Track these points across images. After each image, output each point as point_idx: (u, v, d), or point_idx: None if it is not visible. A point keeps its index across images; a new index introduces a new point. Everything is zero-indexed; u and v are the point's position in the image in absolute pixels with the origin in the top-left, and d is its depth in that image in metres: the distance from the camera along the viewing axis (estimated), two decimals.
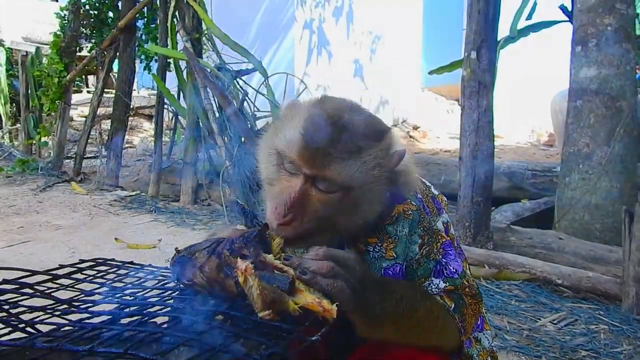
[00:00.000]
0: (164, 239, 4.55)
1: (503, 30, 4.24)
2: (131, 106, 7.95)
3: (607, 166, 4.07)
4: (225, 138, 5.68)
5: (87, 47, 8.78)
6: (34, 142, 9.32)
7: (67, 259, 3.93)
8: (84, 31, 8.24)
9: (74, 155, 8.09)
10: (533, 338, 2.70)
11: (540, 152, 10.00)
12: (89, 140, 8.14)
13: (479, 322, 1.44)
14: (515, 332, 2.77)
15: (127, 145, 8.95)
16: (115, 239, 4.39)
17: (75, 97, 10.21)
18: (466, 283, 1.23)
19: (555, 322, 2.91)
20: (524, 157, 8.89)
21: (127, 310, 1.04)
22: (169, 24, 6.43)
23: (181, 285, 1.13)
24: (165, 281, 1.30)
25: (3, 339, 0.86)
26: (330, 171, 1.10)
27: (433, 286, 1.21)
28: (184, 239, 4.60)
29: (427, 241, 1.22)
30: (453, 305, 1.19)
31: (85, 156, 8.08)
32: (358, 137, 1.11)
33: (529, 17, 5.15)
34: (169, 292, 1.20)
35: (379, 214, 1.21)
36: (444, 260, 1.23)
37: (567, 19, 4.74)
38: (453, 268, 1.22)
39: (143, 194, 6.59)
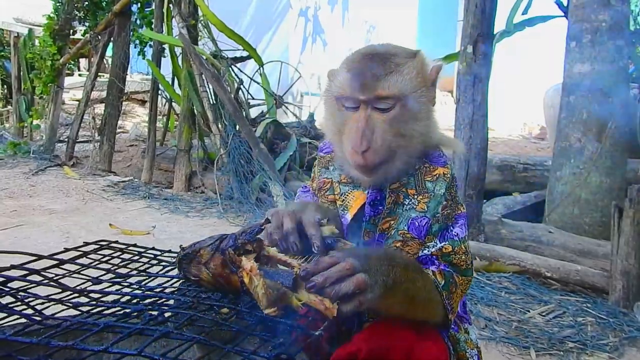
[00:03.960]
0: (158, 225, 4.57)
1: (499, 24, 4.26)
2: (125, 91, 7.90)
3: (598, 161, 4.12)
4: (220, 125, 5.68)
5: (80, 30, 8.69)
6: (26, 125, 9.26)
7: (61, 244, 3.94)
8: (78, 14, 8.15)
9: (66, 139, 8.05)
10: (522, 329, 2.77)
11: (532, 145, 10.07)
12: (82, 124, 8.10)
13: (468, 316, 1.49)
14: (504, 323, 2.83)
15: (119, 131, 8.91)
16: (110, 224, 4.41)
17: (67, 81, 10.11)
18: (463, 248, 1.32)
19: (543, 314, 2.98)
20: (515, 150, 8.96)
21: (134, 301, 1.07)
22: (164, 10, 6.39)
23: (185, 281, 1.16)
24: (170, 267, 1.34)
25: (19, 336, 0.88)
26: (381, 89, 1.24)
27: (435, 247, 1.30)
28: (178, 226, 4.62)
29: (450, 206, 1.33)
30: (443, 282, 1.26)
31: (77, 140, 8.04)
32: (393, 58, 1.28)
33: (525, 11, 5.16)
34: (174, 280, 1.23)
35: (425, 153, 1.36)
36: (452, 226, 1.33)
37: (562, 14, 4.76)
38: (455, 232, 1.32)
39: (136, 179, 6.59)
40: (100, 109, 8.06)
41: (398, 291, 1.09)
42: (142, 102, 12.03)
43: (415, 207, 1.32)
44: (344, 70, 1.31)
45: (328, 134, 1.42)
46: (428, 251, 1.30)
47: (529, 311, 3.00)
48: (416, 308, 1.20)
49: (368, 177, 1.32)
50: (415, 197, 1.33)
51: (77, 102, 8.70)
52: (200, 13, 6.25)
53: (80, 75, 13.62)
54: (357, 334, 1.24)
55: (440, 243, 1.30)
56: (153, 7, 7.02)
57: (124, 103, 8.42)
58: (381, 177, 1.31)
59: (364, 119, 1.25)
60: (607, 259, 3.24)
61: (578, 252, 3.69)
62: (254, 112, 6.54)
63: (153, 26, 6.90)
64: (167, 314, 1.02)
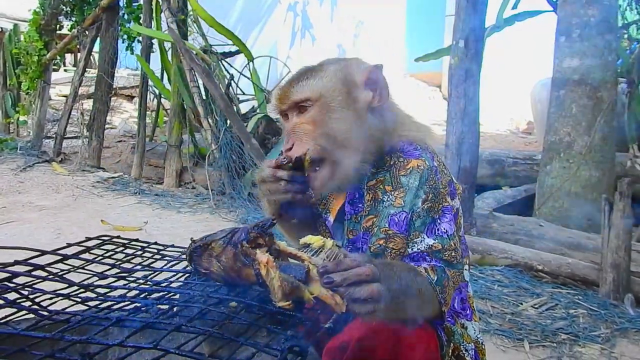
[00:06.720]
0: (150, 221, 4.55)
1: (489, 19, 4.28)
2: (113, 86, 7.84)
3: (587, 155, 4.17)
4: (211, 121, 5.66)
5: (67, 25, 8.60)
6: (12, 121, 9.16)
7: (53, 240, 3.92)
8: (65, 9, 8.06)
9: (53, 135, 7.97)
10: (515, 322, 2.80)
11: (519, 139, 10.14)
12: (70, 120, 8.02)
13: (467, 312, 1.50)
14: (498, 316, 2.86)
15: (108, 126, 8.83)
16: (102, 220, 4.38)
17: (53, 76, 9.98)
18: (452, 245, 1.32)
19: (536, 306, 3.01)
20: (503, 144, 9.02)
21: (142, 296, 1.07)
22: (153, 4, 6.34)
23: (195, 273, 1.17)
24: (174, 262, 1.34)
25: (30, 331, 0.88)
26: (295, 93, 1.33)
27: (424, 243, 1.31)
28: (170, 222, 4.61)
29: (431, 199, 1.32)
30: (436, 278, 1.27)
31: (65, 136, 7.97)
32: (317, 67, 1.37)
33: (515, 6, 5.20)
34: (180, 274, 1.23)
35: (383, 151, 1.37)
36: (439, 220, 1.33)
37: (552, 9, 4.80)
38: (444, 229, 1.33)
39: (126, 175, 6.55)
40: (88, 104, 7.99)
41: (402, 301, 1.12)
42: (130, 98, 11.94)
43: (393, 203, 1.33)
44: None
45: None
46: (417, 248, 1.31)
47: (521, 304, 3.03)
48: (415, 311, 1.21)
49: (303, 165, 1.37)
50: (392, 193, 1.34)
51: (64, 98, 8.62)
52: (189, 8, 6.20)
53: (66, 70, 13.47)
54: (349, 324, 1.26)
55: (429, 239, 1.31)
56: (141, 1, 6.96)
57: (112, 99, 8.34)
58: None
59: (290, 124, 1.35)
60: (597, 252, 3.28)
61: (568, 245, 3.73)
62: (244, 107, 6.52)
63: (142, 21, 6.85)
64: (176, 308, 1.02)
